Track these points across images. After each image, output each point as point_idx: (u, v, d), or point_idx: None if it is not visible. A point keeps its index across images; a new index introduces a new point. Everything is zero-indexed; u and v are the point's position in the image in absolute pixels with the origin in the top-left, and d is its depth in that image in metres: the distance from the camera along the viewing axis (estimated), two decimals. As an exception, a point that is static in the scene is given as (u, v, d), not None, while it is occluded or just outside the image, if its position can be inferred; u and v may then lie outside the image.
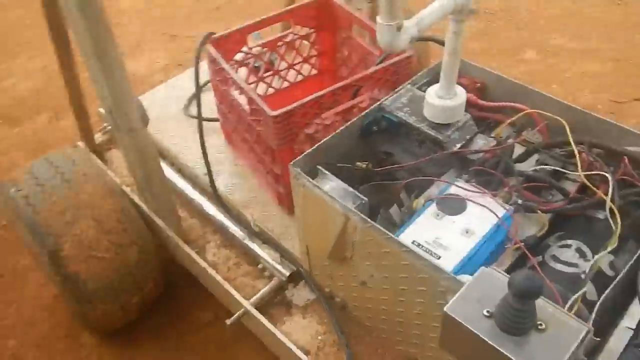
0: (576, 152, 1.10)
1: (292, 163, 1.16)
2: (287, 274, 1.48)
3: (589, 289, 0.98)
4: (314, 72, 1.80)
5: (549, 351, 0.66)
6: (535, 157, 1.21)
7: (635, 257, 0.95)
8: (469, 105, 1.35)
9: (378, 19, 0.94)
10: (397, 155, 1.34)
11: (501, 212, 1.05)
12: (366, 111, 1.27)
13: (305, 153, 1.18)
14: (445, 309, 0.72)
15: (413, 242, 1.03)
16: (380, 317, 1.25)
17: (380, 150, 1.36)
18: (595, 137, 1.15)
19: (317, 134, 1.36)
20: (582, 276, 1.00)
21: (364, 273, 1.17)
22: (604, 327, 0.92)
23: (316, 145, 1.20)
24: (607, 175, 1.05)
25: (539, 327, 0.69)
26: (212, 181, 1.61)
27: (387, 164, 1.35)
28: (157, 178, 1.50)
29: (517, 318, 0.67)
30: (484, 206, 1.06)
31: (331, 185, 1.16)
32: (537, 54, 2.56)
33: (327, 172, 1.17)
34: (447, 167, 1.25)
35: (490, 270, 0.78)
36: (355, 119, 1.25)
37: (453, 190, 1.11)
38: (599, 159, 1.10)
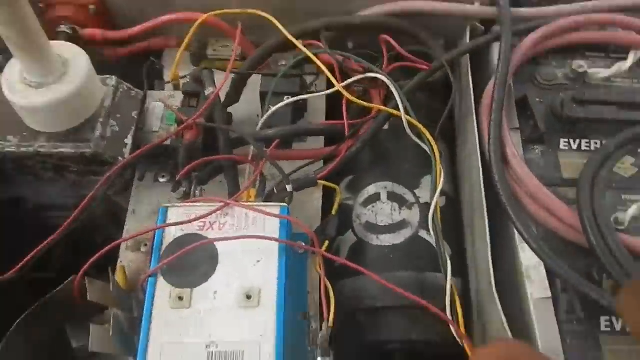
0: (313, 57, 0.66)
1: None
2: None
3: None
4: None
5: None
6: (255, 80, 0.73)
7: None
8: (92, 44, 0.75)
9: None
10: (35, 197, 0.71)
11: (274, 227, 0.57)
12: None
13: None
14: None
15: (174, 386, 0.50)
16: None
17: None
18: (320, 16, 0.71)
19: None
20: (424, 235, 0.65)
21: None
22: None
23: None
24: (380, 77, 0.64)
25: None
26: None
27: (19, 216, 0.72)
28: None
29: None
30: (243, 237, 0.56)
31: None
32: None
33: None
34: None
35: None
36: None
37: (174, 230, 0.58)
38: (345, 54, 0.68)
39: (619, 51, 0.69)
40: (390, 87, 0.63)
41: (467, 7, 0.69)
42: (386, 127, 0.71)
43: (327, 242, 0.62)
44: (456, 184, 0.73)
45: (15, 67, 0.56)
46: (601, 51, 0.70)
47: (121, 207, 0.71)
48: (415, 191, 0.68)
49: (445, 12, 0.68)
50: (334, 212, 0.66)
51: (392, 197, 0.68)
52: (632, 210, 0.58)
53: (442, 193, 0.69)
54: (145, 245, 0.65)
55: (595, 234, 0.54)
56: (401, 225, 0.66)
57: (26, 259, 0.57)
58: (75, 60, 0.59)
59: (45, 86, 0.55)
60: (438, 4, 0.68)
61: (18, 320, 0.53)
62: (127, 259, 0.64)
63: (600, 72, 0.66)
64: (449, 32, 0.73)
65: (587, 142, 0.64)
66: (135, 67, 0.74)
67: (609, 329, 0.54)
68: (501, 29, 0.64)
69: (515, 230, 0.58)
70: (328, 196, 0.70)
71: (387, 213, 0.67)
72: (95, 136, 0.59)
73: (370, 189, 0.69)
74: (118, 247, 0.64)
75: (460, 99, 0.71)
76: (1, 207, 0.70)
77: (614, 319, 0.55)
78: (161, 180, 0.69)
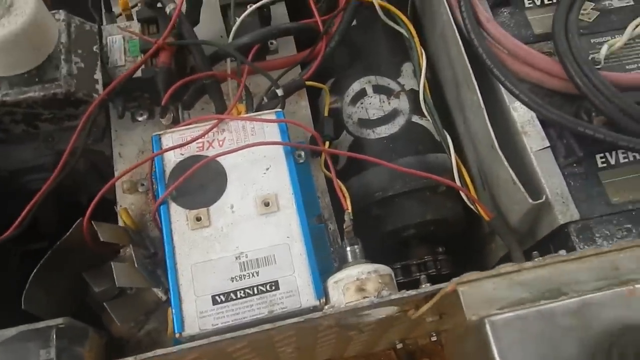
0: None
1: None
2: None
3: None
4: None
5: None
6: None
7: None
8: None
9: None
10: (5, 160, 0.66)
11: (275, 133, 0.56)
12: None
13: None
14: None
15: (216, 301, 0.50)
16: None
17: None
18: None
19: None
20: (416, 120, 0.65)
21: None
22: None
23: None
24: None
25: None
26: None
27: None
28: None
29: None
30: (244, 147, 0.55)
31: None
32: None
33: None
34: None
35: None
36: None
37: (173, 157, 0.56)
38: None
39: None
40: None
41: None
42: (355, 23, 0.70)
43: (328, 142, 0.62)
44: (432, 68, 0.74)
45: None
46: None
47: (102, 157, 0.68)
48: (399, 80, 0.68)
49: None
50: (326, 114, 0.65)
51: (378, 89, 0.68)
52: (604, 50, 0.60)
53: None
54: (142, 184, 0.62)
55: (579, 74, 0.56)
56: (393, 114, 0.66)
57: (19, 220, 0.53)
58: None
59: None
60: None
61: (34, 271, 0.50)
62: (127, 202, 0.62)
63: None
64: None
65: (549, -4, 0.66)
66: (79, 3, 0.68)
67: (605, 165, 0.58)
68: None
69: (504, 92, 0.60)
70: (312, 104, 0.70)
71: (377, 106, 0.67)
72: (62, 74, 0.55)
73: (355, 87, 0.68)
74: (114, 195, 0.62)
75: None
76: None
77: (607, 154, 0.58)
78: (140, 118, 0.66)
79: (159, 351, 0.42)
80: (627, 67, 0.62)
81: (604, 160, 0.58)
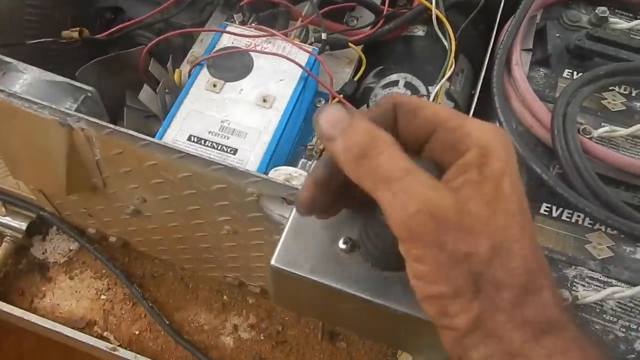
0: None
1: None
2: (24, 226, 1.00)
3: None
4: None
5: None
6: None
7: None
8: None
9: None
10: (130, 10, 0.88)
11: (304, 58, 0.71)
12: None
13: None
14: (272, 262, 0.38)
15: (190, 139, 0.64)
16: (177, 247, 0.89)
17: (102, 7, 0.88)
18: None
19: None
20: (422, 118, 0.75)
21: (131, 199, 0.77)
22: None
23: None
24: (422, -28, 0.76)
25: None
26: None
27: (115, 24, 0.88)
28: None
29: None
30: (277, 55, 0.70)
31: (25, 80, 0.67)
32: None
33: (10, 59, 0.67)
34: (207, 12, 0.85)
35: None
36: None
37: (226, 41, 0.72)
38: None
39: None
40: (431, -19, 0.74)
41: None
42: (423, 34, 0.83)
43: (341, 96, 0.74)
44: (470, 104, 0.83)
45: None
46: (630, 11, 0.78)
47: (191, 37, 0.86)
48: (429, 87, 0.79)
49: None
50: (355, 79, 0.78)
51: (408, 85, 0.79)
52: (602, 129, 0.66)
53: (452, 99, 0.80)
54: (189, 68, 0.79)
55: (559, 126, 0.62)
56: (407, 106, 0.77)
57: (114, 29, 0.73)
58: None
59: None
60: None
61: (92, 61, 0.69)
62: (185, 70, 0.79)
63: (620, 23, 0.74)
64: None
65: (588, 77, 0.72)
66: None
67: (546, 213, 0.63)
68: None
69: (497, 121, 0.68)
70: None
71: (399, 96, 0.78)
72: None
73: (393, 77, 0.80)
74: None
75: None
76: (105, 13, 0.87)
77: (554, 208, 0.63)
78: (232, 20, 0.84)
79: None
80: (621, 157, 0.67)
81: (548, 209, 0.64)
